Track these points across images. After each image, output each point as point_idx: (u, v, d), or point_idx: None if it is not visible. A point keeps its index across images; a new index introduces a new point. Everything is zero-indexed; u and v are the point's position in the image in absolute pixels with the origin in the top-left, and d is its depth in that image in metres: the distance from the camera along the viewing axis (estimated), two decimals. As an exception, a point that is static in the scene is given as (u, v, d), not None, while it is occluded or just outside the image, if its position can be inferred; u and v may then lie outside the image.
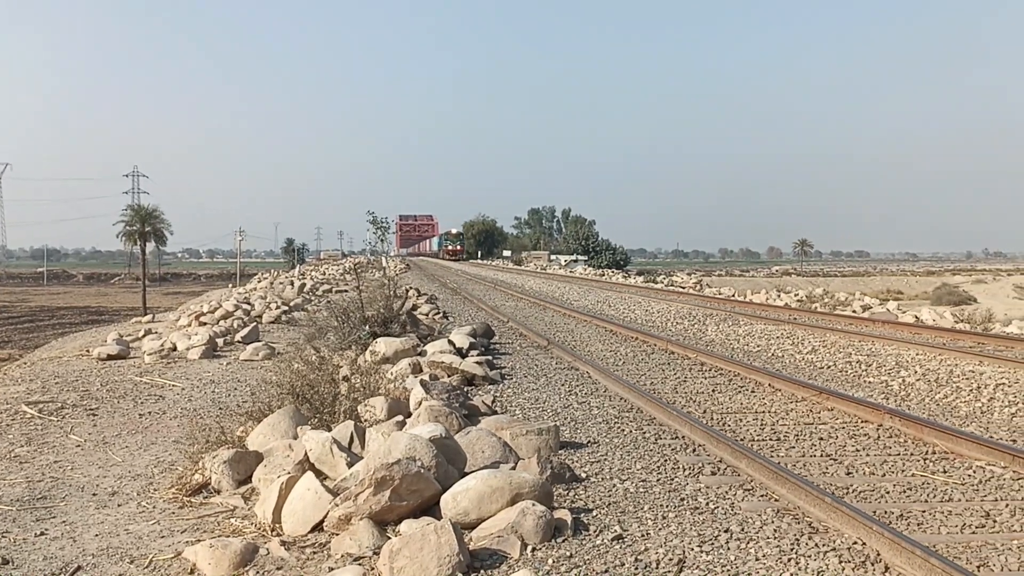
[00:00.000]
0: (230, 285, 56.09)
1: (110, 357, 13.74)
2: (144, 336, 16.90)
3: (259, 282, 45.59)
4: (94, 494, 6.52)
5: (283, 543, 5.07)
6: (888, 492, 5.80)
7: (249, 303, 23.85)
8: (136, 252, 77.20)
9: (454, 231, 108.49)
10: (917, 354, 12.53)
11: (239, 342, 15.53)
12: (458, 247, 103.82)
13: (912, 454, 6.78)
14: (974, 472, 6.23)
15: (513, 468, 5.89)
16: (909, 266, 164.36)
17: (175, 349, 14.40)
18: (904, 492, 5.80)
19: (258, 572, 4.72)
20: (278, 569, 4.75)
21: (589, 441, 7.25)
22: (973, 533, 4.99)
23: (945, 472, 6.26)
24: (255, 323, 18.03)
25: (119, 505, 6.22)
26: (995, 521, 5.17)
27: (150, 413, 9.63)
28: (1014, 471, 6.16)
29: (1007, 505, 5.45)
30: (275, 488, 5.57)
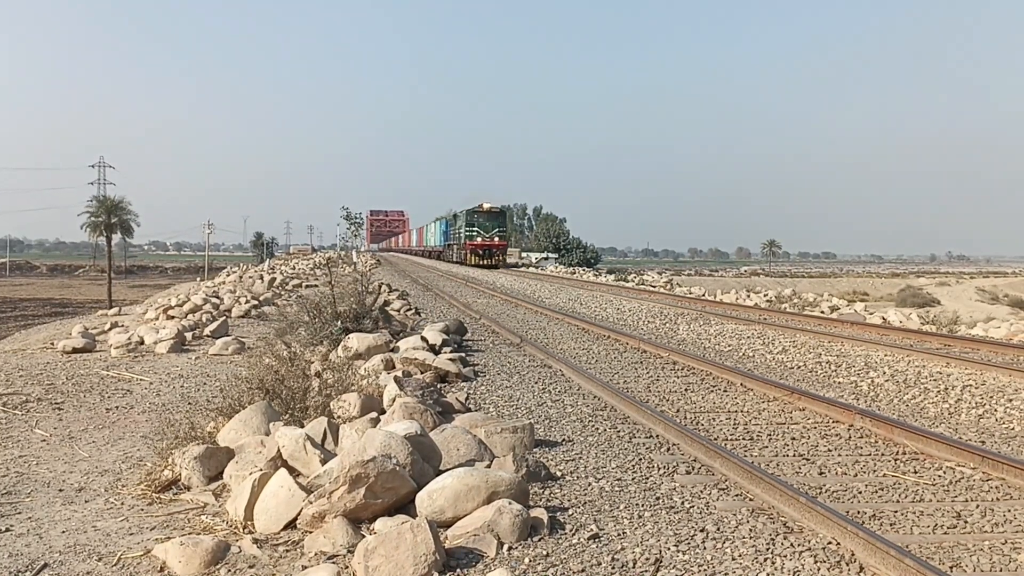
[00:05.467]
0: (198, 278, 55.50)
1: (75, 350, 13.50)
2: (110, 329, 16.62)
3: (228, 276, 45.08)
4: (60, 490, 6.38)
5: (255, 541, 5.00)
6: (861, 492, 5.85)
7: (218, 297, 23.57)
8: (101, 244, 76.26)
9: (487, 205, 54.91)
10: (885, 355, 12.67)
11: (208, 336, 15.33)
12: (496, 239, 53.84)
13: (883, 454, 6.85)
14: (944, 473, 6.31)
15: (488, 466, 5.87)
16: (874, 268, 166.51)
17: (142, 343, 14.17)
18: (876, 492, 5.85)
19: (230, 570, 4.65)
20: (250, 567, 4.68)
21: (564, 439, 7.24)
22: (945, 533, 5.04)
23: (916, 472, 6.33)
24: (224, 317, 17.80)
25: (86, 501, 6.09)
26: (966, 522, 5.23)
27: (117, 408, 9.47)
28: (983, 472, 6.23)
29: (977, 506, 5.52)
30: (247, 485, 5.49)
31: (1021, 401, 8.98)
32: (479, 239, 53.66)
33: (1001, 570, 4.53)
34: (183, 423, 7.24)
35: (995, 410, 8.69)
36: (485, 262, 53.23)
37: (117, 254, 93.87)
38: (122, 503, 6.02)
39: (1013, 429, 8.03)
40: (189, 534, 5.16)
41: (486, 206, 54.91)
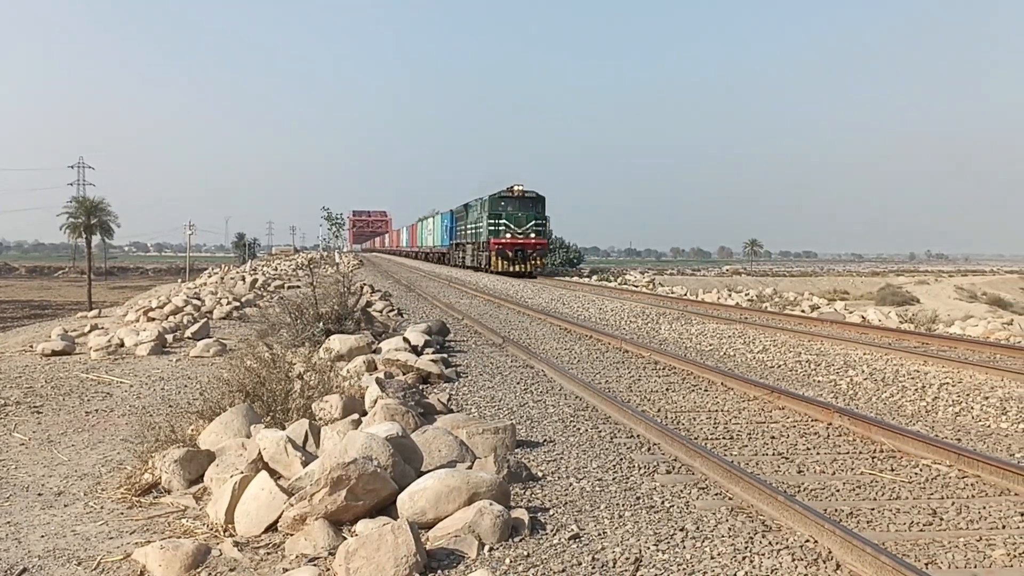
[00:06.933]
0: (179, 280, 55.16)
1: (55, 353, 13.39)
2: (90, 331, 16.49)
3: (209, 277, 44.84)
4: (39, 494, 6.34)
5: (236, 544, 4.99)
6: (838, 490, 5.92)
7: (199, 298, 23.42)
8: (81, 245, 75.70)
9: (519, 188, 40.92)
10: (864, 354, 12.79)
11: (189, 338, 15.24)
12: (532, 235, 40.43)
13: (861, 453, 6.92)
14: (921, 470, 6.38)
15: (470, 467, 5.89)
16: (855, 267, 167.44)
17: (122, 345, 14.07)
18: (854, 490, 5.91)
19: (210, 574, 4.64)
20: (231, 571, 4.68)
21: (545, 440, 7.27)
22: (921, 531, 5.11)
23: (893, 470, 6.40)
24: (205, 319, 17.69)
25: (66, 505, 6.06)
26: (942, 519, 5.30)
27: (97, 411, 9.40)
28: (959, 470, 6.31)
29: (953, 503, 5.59)
30: (228, 488, 5.48)
31: (997, 399, 9.09)
32: (508, 235, 39.75)
33: (976, 566, 4.60)
34: (164, 426, 7.20)
35: (971, 408, 8.79)
36: (517, 268, 39.75)
37: (97, 255, 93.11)
38: (102, 507, 5.99)
39: (989, 426, 8.13)
40: (169, 537, 5.14)
41: (518, 189, 40.51)
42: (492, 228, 40.31)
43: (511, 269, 39.76)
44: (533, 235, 40.25)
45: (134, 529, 5.47)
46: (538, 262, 40.74)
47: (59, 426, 8.67)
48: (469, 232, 46.27)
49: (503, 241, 39.79)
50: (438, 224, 59.25)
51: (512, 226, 40.01)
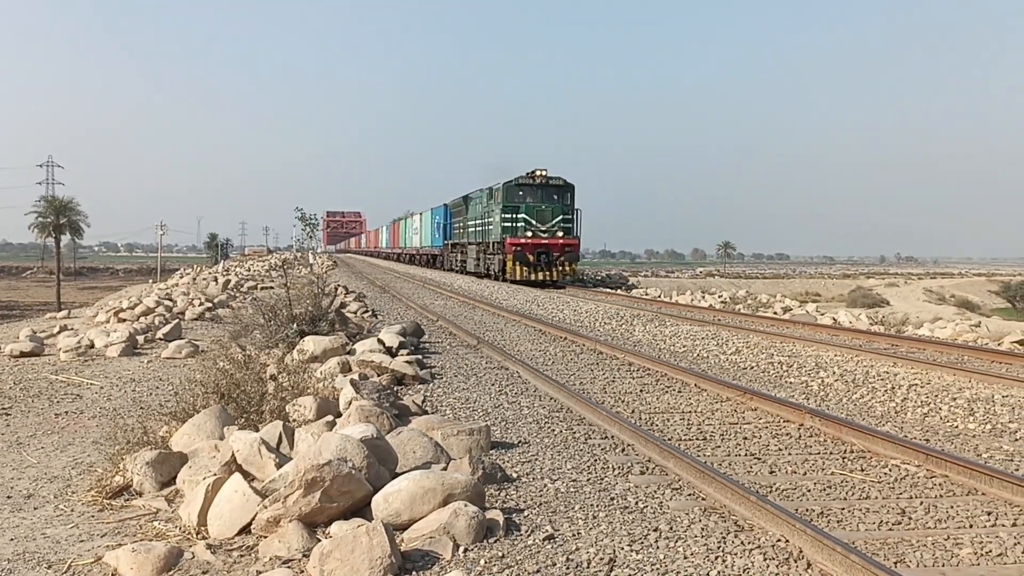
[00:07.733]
0: (151, 280, 54.58)
1: (23, 354, 13.23)
2: (59, 332, 16.32)
3: (181, 278, 44.43)
4: (8, 497, 6.27)
5: (209, 546, 4.96)
6: (809, 490, 5.98)
7: (171, 299, 23.23)
8: (50, 245, 74.78)
9: (541, 173, 31.92)
10: (835, 355, 12.93)
11: (161, 339, 15.12)
12: (559, 234, 31.85)
13: (832, 453, 7.00)
14: (890, 471, 6.47)
15: (445, 468, 5.89)
16: (826, 269, 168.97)
17: (93, 346, 13.93)
18: (824, 490, 5.98)
19: (183, 576, 4.61)
20: (204, 573, 4.64)
21: (520, 441, 7.28)
22: (890, 530, 5.18)
23: (863, 471, 6.48)
24: (177, 320, 17.55)
25: (35, 508, 5.99)
26: (910, 518, 5.38)
27: (67, 413, 9.30)
28: (927, 470, 6.41)
29: (921, 503, 5.67)
30: (201, 490, 5.45)
31: (965, 400, 9.22)
32: (528, 234, 31.80)
33: (943, 565, 4.67)
34: (135, 428, 7.14)
35: (939, 409, 8.92)
36: (540, 275, 31.76)
37: (66, 255, 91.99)
38: (72, 510, 5.93)
39: (957, 427, 8.25)
40: (141, 540, 5.09)
41: (540, 175, 32.31)
42: (507, 224, 32.16)
43: (532, 277, 31.81)
44: (561, 234, 32.16)
45: (105, 532, 5.42)
46: (567, 268, 32.63)
47: (28, 428, 8.57)
48: (472, 230, 38.17)
49: (522, 241, 31.75)
50: (427, 221, 50.41)
51: (534, 222, 31.95)
